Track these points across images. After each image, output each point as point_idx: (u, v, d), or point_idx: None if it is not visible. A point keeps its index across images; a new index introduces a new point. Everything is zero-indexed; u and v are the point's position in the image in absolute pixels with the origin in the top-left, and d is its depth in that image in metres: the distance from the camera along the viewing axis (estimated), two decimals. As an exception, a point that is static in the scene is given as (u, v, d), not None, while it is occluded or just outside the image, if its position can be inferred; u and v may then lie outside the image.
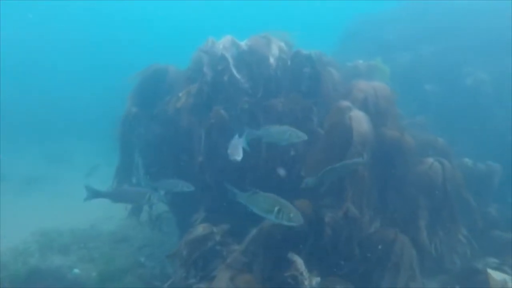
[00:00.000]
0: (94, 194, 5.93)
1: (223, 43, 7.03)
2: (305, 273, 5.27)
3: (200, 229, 6.24)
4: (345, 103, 6.16)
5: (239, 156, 5.25)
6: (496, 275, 5.26)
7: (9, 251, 9.18)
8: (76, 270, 8.45)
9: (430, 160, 6.31)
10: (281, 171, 6.47)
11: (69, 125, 20.15)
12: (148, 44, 35.57)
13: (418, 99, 10.86)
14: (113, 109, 9.43)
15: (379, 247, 5.71)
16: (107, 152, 16.41)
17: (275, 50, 6.98)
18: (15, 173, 15.44)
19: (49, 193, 13.54)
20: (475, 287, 5.99)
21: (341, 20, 16.98)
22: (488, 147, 9.47)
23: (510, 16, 11.03)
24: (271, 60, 6.88)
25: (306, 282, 5.17)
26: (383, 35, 13.58)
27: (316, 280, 5.28)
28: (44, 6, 30.93)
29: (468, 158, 8.43)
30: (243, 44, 7.14)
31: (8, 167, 15.77)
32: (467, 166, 8.21)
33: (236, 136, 5.53)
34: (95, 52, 34.66)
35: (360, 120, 5.87)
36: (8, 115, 21.17)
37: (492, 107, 10.59)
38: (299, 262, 5.39)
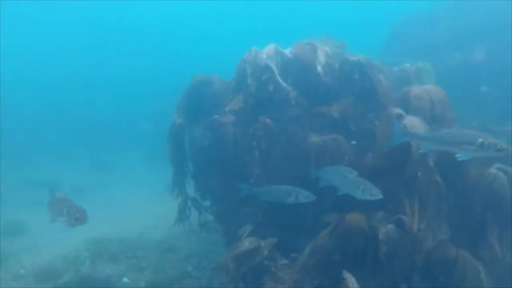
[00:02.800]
0: (248, 191, 6.23)
1: (266, 52, 6.90)
2: (357, 291, 5.02)
3: (247, 244, 6.12)
4: (397, 110, 5.87)
5: None
6: None
7: (61, 258, 9.45)
8: (125, 279, 8.56)
9: (494, 171, 5.86)
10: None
11: (114, 134, 20.67)
12: (187, 53, 35.91)
13: (474, 103, 10.25)
14: (160, 119, 9.59)
15: (439, 265, 5.37)
16: (151, 161, 16.98)
17: (321, 57, 6.80)
18: (65, 183, 15.97)
19: (97, 202, 13.77)
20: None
21: (382, 21, 16.50)
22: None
23: None
24: (319, 68, 6.71)
25: (357, 301, 4.94)
26: (429, 35, 13.01)
27: (371, 299, 5.02)
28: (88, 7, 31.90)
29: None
30: (287, 52, 7.00)
31: (59, 176, 16.42)
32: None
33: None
34: (140, 62, 35.35)
35: (416, 128, 5.55)
36: (55, 125, 22.11)
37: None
38: (351, 280, 5.14)
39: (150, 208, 12.30)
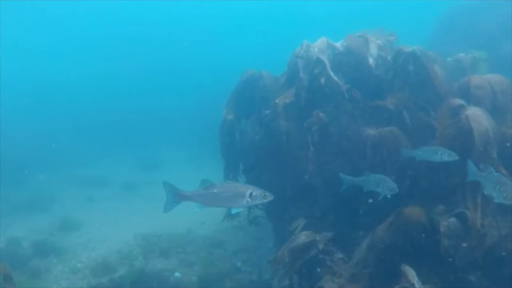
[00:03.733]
0: (350, 182, 5.99)
1: (318, 46, 6.87)
2: (418, 285, 4.89)
3: (303, 237, 6.09)
4: (458, 101, 5.69)
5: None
6: None
7: (115, 253, 9.78)
8: (177, 274, 8.74)
9: None
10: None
11: (160, 132, 21.06)
12: (235, 49, 35.90)
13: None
14: (205, 115, 9.69)
15: (502, 261, 5.16)
16: (197, 158, 17.22)
17: (373, 49, 6.70)
18: (117, 180, 16.51)
19: (146, 198, 14.24)
20: None
21: (431, 11, 15.98)
22: None
23: None
24: (371, 60, 6.62)
25: (418, 295, 4.82)
26: (482, 24, 12.45)
27: (432, 293, 4.89)
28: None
29: None
30: (339, 45, 6.94)
31: (109, 174, 17.00)
32: None
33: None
34: (183, 57, 35.63)
35: (479, 119, 5.38)
36: (103, 123, 22.81)
37: None
38: (411, 273, 5.02)
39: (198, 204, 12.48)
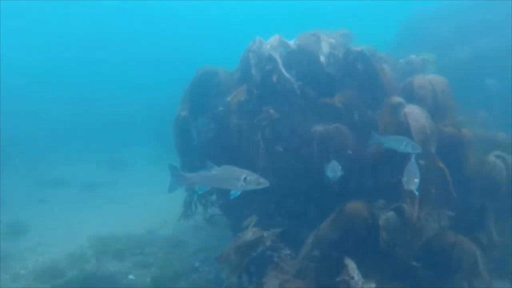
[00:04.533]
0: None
1: (270, 43, 6.93)
2: (357, 278, 4.99)
3: (250, 234, 6.12)
4: (397, 99, 5.90)
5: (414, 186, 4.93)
6: None
7: (66, 257, 9.35)
8: (131, 276, 8.56)
9: (492, 158, 5.85)
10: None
11: (124, 132, 20.71)
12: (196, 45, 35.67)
13: (480, 95, 10.16)
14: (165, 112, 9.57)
15: (438, 252, 5.35)
16: (161, 157, 16.95)
17: (325, 47, 6.81)
18: (75, 180, 16.04)
19: (108, 199, 13.96)
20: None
21: (397, 15, 16.47)
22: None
23: None
24: (322, 58, 6.71)
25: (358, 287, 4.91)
26: (440, 29, 12.94)
27: (371, 286, 4.98)
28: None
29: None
30: (292, 43, 7.01)
31: (68, 174, 16.52)
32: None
33: (412, 160, 5.15)
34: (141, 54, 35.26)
35: (416, 116, 5.56)
36: (64, 122, 22.26)
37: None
38: (352, 266, 5.14)
39: (161, 204, 12.33)
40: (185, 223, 8.95)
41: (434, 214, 5.55)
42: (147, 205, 13.03)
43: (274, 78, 6.64)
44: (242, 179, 4.58)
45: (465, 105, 8.99)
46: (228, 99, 6.84)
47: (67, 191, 15.14)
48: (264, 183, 4.65)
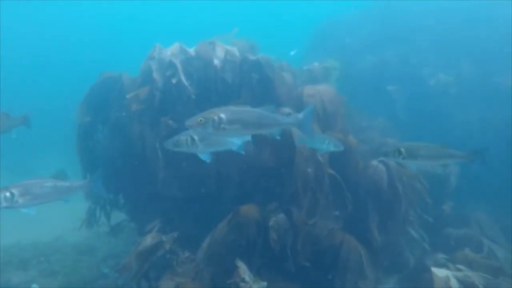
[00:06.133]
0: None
1: (171, 50, 7.01)
2: (248, 279, 5.24)
3: (149, 239, 6.18)
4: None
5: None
6: (439, 272, 5.33)
7: (-35, 270, 8.74)
8: (34, 286, 8.25)
9: (375, 162, 6.37)
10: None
11: (30, 137, 19.58)
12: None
13: (383, 102, 10.97)
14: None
15: (327, 251, 5.75)
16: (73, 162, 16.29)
17: (220, 53, 6.96)
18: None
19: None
20: (425, 286, 6.06)
21: (311, 22, 17.06)
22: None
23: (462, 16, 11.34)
24: (216, 61, 6.84)
25: (247, 288, 5.16)
26: (349, 38, 13.69)
27: (261, 285, 5.24)
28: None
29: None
30: (191, 50, 7.13)
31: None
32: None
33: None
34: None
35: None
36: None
37: (454, 108, 10.75)
38: (242, 268, 5.38)
39: (72, 210, 11.89)
40: (95, 230, 8.82)
41: (326, 216, 5.92)
42: (56, 212, 12.47)
43: (174, 81, 6.72)
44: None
45: (369, 112, 9.79)
46: (127, 96, 6.79)
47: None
48: None
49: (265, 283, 5.29)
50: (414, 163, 4.98)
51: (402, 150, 4.74)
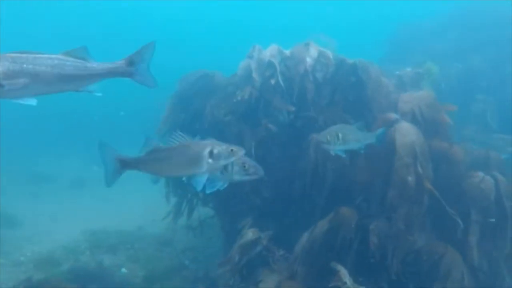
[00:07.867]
0: None
1: (270, 51, 7.11)
2: (350, 283, 5.17)
3: (250, 234, 6.25)
4: (392, 115, 6.07)
5: None
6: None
7: (61, 248, 9.60)
8: (124, 270, 8.73)
9: (481, 174, 6.04)
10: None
11: (114, 128, 20.65)
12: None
13: (472, 111, 10.49)
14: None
15: (427, 261, 5.56)
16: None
17: (313, 52, 6.89)
18: (64, 175, 16.11)
19: (96, 195, 14.05)
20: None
21: (386, 26, 16.64)
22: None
23: None
24: (308, 60, 6.79)
25: (350, 293, 5.09)
26: (432, 44, 13.20)
27: (361, 289, 5.18)
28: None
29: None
30: (288, 52, 7.18)
31: (57, 169, 16.55)
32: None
33: None
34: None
35: (405, 132, 5.70)
36: (54, 120, 22.16)
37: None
38: (343, 272, 5.27)
39: (150, 202, 12.45)
40: (174, 222, 9.09)
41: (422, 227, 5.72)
42: (136, 202, 13.26)
43: (273, 82, 6.80)
44: (206, 155, 3.53)
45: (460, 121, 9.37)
46: (238, 97, 6.92)
47: (58, 186, 15.48)
48: (239, 151, 3.66)
49: (363, 288, 5.22)
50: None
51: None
